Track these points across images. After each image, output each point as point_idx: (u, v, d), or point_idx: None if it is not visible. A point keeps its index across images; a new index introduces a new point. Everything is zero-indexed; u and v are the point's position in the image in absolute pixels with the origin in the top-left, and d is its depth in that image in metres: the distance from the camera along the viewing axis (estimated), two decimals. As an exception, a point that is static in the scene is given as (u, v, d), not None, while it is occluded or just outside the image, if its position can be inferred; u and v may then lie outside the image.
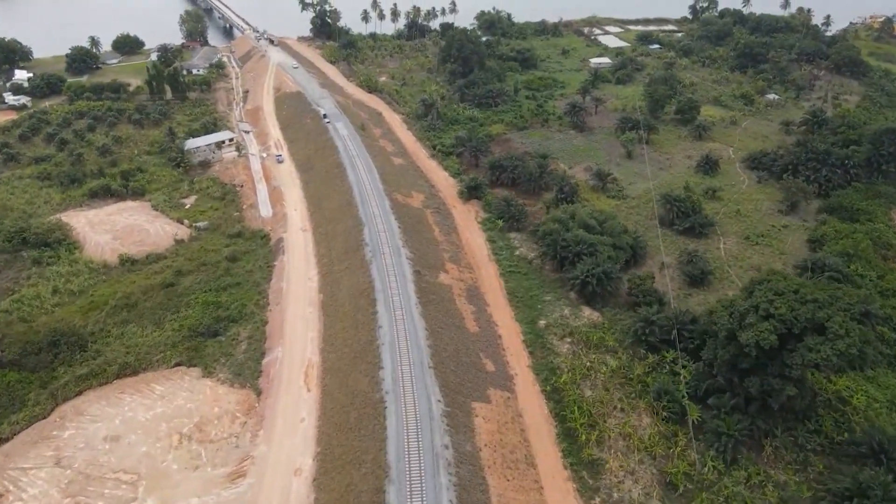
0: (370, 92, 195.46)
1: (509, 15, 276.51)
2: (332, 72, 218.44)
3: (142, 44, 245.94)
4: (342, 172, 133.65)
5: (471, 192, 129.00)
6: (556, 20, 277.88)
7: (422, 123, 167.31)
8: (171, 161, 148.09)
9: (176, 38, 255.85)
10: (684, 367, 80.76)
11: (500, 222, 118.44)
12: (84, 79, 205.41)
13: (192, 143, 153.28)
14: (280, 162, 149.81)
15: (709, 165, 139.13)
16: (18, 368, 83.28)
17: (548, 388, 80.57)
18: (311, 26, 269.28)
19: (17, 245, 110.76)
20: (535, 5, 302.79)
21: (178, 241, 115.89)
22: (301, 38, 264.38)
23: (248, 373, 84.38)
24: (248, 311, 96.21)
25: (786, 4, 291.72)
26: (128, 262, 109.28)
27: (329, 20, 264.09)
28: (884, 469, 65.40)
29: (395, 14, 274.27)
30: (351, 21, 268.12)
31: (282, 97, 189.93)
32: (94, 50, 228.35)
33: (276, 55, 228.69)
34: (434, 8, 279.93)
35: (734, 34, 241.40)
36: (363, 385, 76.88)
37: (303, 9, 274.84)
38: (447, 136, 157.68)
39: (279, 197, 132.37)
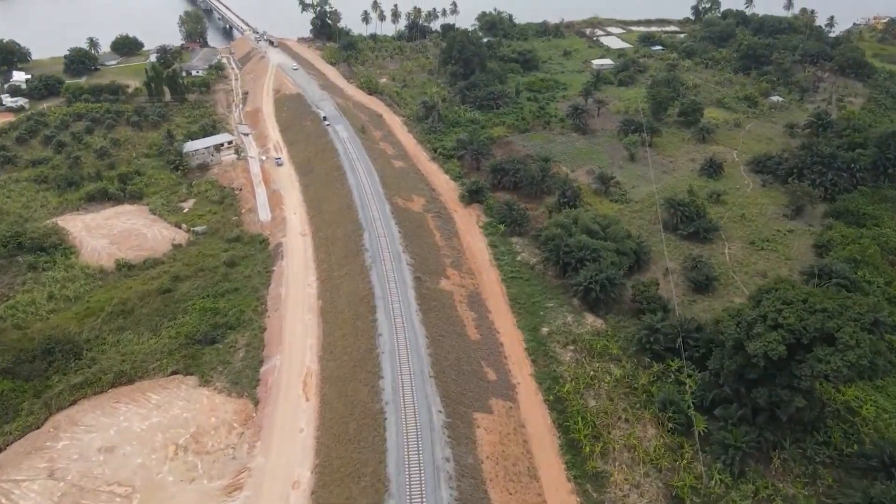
0: (370, 94, 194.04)
1: (510, 16, 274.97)
2: (333, 73, 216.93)
3: (141, 45, 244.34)
4: (342, 176, 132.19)
5: (472, 196, 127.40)
6: (557, 21, 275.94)
7: (422, 126, 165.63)
8: (169, 164, 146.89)
9: (175, 39, 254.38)
10: (690, 376, 79.33)
11: (502, 227, 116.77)
12: (82, 80, 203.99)
13: (190, 146, 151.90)
14: (279, 165, 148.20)
15: (713, 169, 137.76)
16: (12, 377, 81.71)
17: (550, 397, 79.06)
18: (311, 27, 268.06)
19: (12, 250, 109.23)
20: (537, 6, 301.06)
21: (176, 246, 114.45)
22: (301, 40, 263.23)
23: (246, 381, 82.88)
24: (247, 318, 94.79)
25: (789, 5, 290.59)
26: (125, 268, 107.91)
27: (329, 21, 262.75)
28: (894, 483, 63.88)
29: (395, 15, 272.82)
30: (351, 22, 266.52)
31: (281, 99, 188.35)
32: (93, 51, 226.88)
33: (275, 56, 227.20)
34: (435, 9, 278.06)
35: (737, 35, 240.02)
36: (363, 395, 75.47)
37: (303, 10, 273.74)
38: (448, 138, 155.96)
39: (278, 200, 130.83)
